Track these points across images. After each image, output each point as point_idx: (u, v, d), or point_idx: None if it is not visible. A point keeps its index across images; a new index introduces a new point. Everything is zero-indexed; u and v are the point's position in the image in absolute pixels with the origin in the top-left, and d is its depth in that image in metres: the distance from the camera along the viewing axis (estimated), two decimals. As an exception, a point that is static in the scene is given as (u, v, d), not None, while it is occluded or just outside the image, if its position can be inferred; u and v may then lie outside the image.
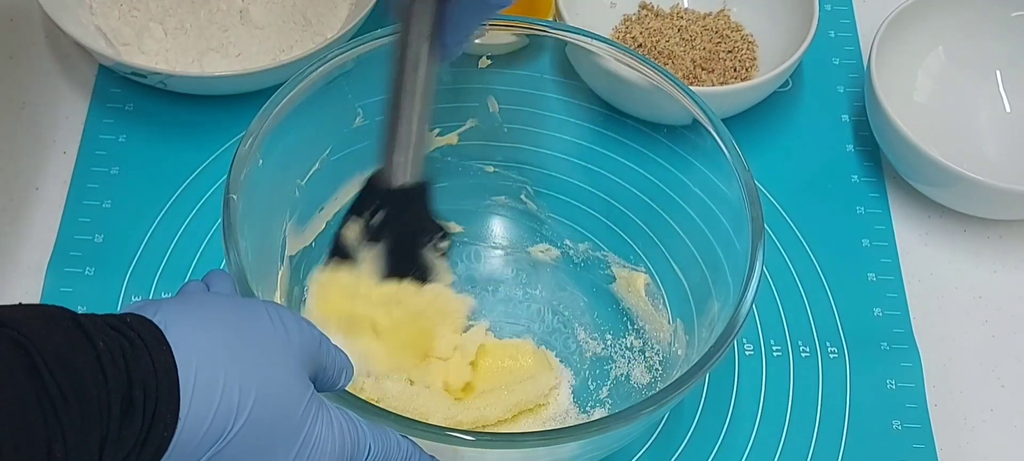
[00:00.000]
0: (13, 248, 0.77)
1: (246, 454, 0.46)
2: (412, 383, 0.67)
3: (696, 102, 0.67)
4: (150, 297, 0.74)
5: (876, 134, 0.83)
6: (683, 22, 0.89)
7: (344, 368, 0.53)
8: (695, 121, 0.67)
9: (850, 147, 0.86)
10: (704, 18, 0.89)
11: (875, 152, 0.85)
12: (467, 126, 0.75)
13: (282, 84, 0.66)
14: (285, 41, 0.85)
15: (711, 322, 0.65)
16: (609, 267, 0.75)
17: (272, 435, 0.47)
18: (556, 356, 0.72)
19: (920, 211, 0.83)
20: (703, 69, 0.86)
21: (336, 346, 0.53)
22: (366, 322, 0.66)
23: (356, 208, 0.67)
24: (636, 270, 0.74)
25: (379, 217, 0.64)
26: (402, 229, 0.66)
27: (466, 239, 0.77)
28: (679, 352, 0.69)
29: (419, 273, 0.68)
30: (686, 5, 0.91)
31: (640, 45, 0.87)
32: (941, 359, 0.76)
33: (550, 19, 0.84)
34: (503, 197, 0.78)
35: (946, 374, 0.76)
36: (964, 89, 0.87)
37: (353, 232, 0.63)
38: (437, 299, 0.69)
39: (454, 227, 0.77)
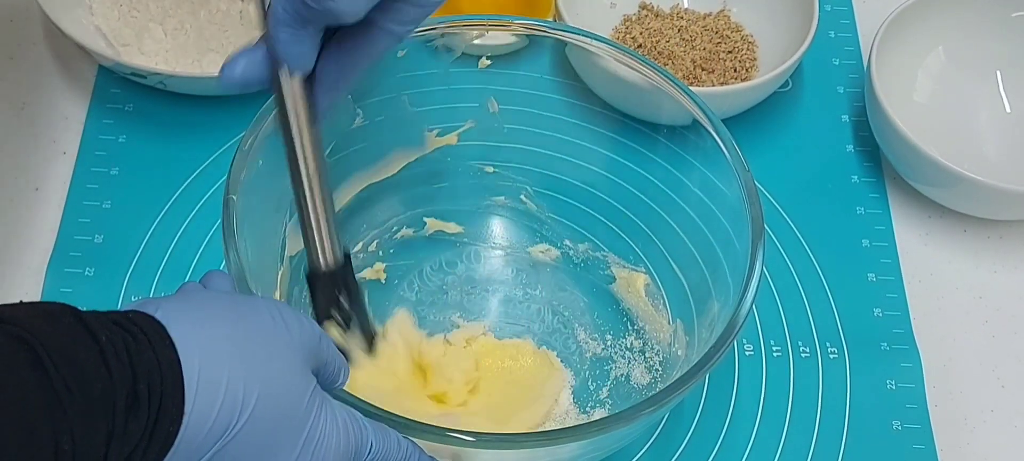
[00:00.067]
0: (13, 248, 0.77)
1: (251, 449, 0.46)
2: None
3: (696, 102, 0.67)
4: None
5: (876, 134, 0.83)
6: (683, 22, 0.89)
7: (342, 367, 0.53)
8: (695, 121, 0.67)
9: (850, 147, 0.86)
10: (704, 18, 0.89)
11: (875, 152, 0.85)
12: (467, 126, 0.75)
13: (282, 84, 0.66)
14: (285, 41, 0.85)
15: (711, 322, 0.65)
16: (609, 267, 0.75)
17: (277, 430, 0.47)
18: (557, 356, 0.72)
19: (920, 211, 0.83)
20: (703, 69, 0.86)
21: (334, 345, 0.53)
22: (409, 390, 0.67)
23: (316, 311, 0.61)
24: (636, 270, 0.74)
25: (343, 302, 0.61)
26: (357, 302, 0.63)
27: (466, 239, 0.78)
28: (679, 352, 0.69)
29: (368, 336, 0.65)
30: (686, 5, 0.91)
31: (640, 45, 0.87)
32: (941, 359, 0.76)
33: (550, 19, 0.84)
34: (503, 197, 0.78)
35: (946, 374, 0.76)
36: (964, 89, 0.87)
37: (336, 333, 0.61)
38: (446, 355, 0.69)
39: (454, 227, 0.77)
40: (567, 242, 0.77)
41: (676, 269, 0.71)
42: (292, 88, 0.56)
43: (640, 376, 0.72)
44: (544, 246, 0.77)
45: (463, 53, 0.71)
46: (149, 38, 0.84)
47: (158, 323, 0.44)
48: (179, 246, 0.77)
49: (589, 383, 0.72)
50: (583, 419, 0.70)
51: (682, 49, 0.87)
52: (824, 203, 0.83)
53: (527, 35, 0.72)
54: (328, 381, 0.52)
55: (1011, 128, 0.86)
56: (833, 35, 0.92)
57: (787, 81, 0.88)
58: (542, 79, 0.75)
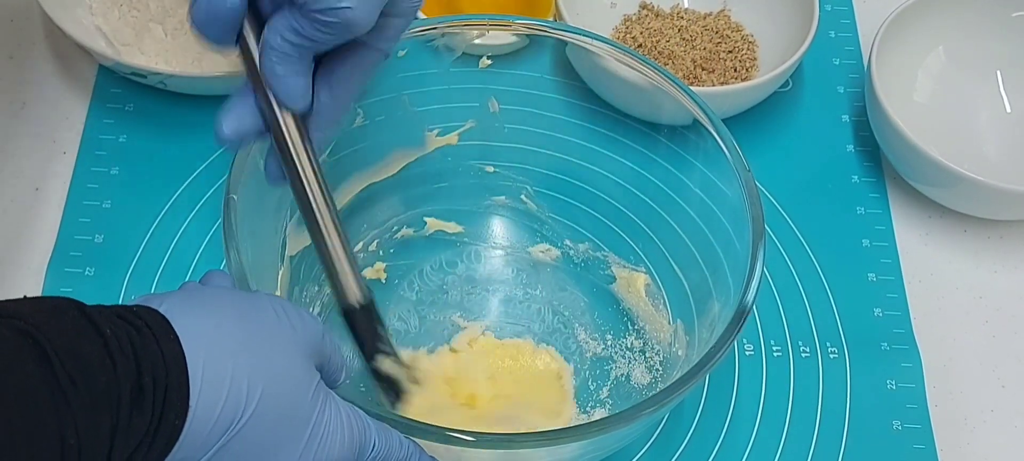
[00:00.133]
0: (13, 248, 0.77)
1: (256, 444, 0.45)
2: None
3: (696, 102, 0.67)
4: (150, 297, 0.74)
5: (876, 134, 0.83)
6: (683, 22, 0.89)
7: (343, 365, 0.53)
8: (695, 121, 0.67)
9: (850, 147, 0.86)
10: (704, 18, 0.89)
11: (875, 152, 0.85)
12: (467, 126, 0.75)
13: (282, 84, 0.65)
14: (285, 41, 0.85)
15: (711, 322, 0.65)
16: (609, 267, 0.75)
17: (281, 425, 0.46)
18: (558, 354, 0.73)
19: (920, 211, 0.83)
20: (703, 69, 0.86)
21: (336, 342, 0.53)
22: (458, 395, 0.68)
23: (364, 349, 0.61)
24: (636, 270, 0.74)
25: (382, 332, 0.61)
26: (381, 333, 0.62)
27: (466, 239, 0.78)
28: (679, 352, 0.69)
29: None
30: (686, 5, 0.91)
31: (640, 45, 0.87)
32: (941, 359, 0.76)
33: (550, 19, 0.84)
34: (503, 197, 0.78)
35: (946, 374, 0.76)
36: (964, 89, 0.87)
37: (390, 365, 0.61)
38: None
39: (454, 227, 0.77)
40: (567, 242, 0.77)
41: (676, 269, 0.71)
42: (292, 129, 0.54)
43: (640, 376, 0.72)
44: (544, 246, 0.77)
45: (463, 53, 0.71)
46: (149, 38, 0.84)
47: (162, 317, 0.44)
48: (179, 246, 0.77)
49: (589, 383, 0.72)
50: (583, 419, 0.70)
51: (682, 49, 0.87)
52: (824, 203, 0.83)
53: (527, 35, 0.72)
54: (331, 377, 0.52)
55: (1011, 128, 0.86)
56: (833, 35, 0.92)
57: (787, 81, 0.88)
58: (542, 79, 0.75)
